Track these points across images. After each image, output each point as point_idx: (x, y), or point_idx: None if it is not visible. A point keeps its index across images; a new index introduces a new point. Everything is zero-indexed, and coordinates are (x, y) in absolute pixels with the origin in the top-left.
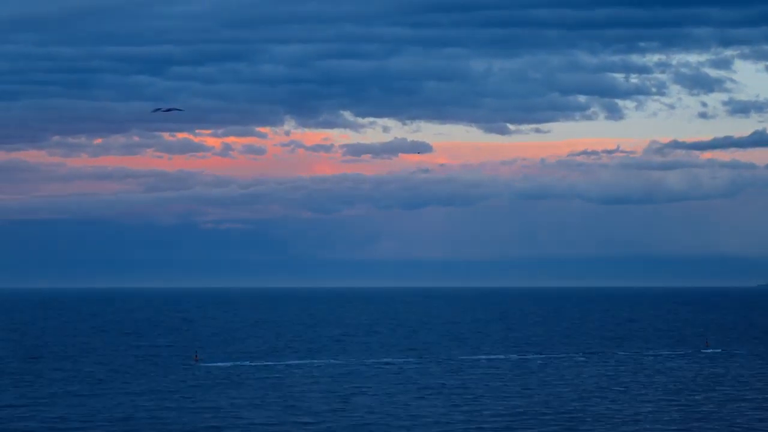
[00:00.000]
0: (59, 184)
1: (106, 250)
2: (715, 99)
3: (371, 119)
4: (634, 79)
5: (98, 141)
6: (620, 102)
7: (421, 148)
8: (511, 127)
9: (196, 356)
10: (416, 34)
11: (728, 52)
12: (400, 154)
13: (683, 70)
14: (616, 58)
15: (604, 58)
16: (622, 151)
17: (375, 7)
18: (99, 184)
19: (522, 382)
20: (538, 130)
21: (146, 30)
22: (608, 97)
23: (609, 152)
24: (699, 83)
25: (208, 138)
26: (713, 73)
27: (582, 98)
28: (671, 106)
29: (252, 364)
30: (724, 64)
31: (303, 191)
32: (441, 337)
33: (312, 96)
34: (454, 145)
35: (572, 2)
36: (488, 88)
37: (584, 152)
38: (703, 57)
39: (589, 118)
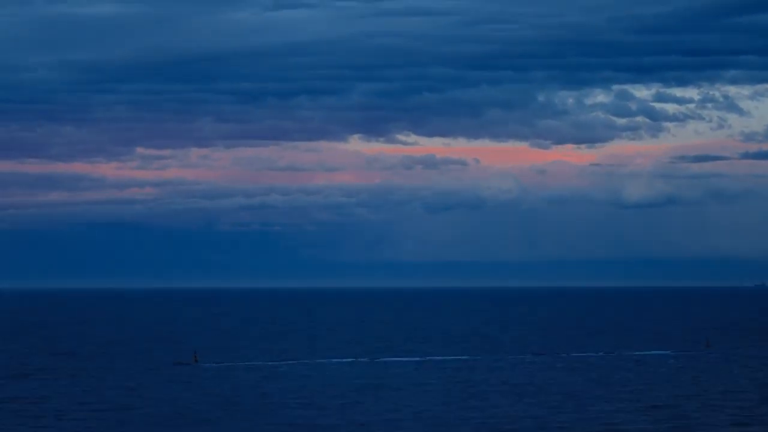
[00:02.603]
0: (114, 191)
1: (136, 252)
2: (740, 124)
3: (429, 138)
4: (676, 106)
5: (174, 153)
6: (664, 123)
7: (468, 161)
8: (556, 143)
9: (195, 357)
10: (490, 75)
11: (759, 87)
12: (449, 166)
13: (721, 99)
14: (662, 90)
15: (652, 90)
16: (643, 161)
17: (458, 55)
18: (147, 191)
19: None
20: (589, 147)
21: (250, 72)
22: (652, 119)
23: (629, 161)
24: (732, 110)
25: (277, 152)
26: (745, 103)
27: (625, 120)
28: (710, 128)
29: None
30: (754, 96)
31: (351, 198)
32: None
33: (382, 120)
34: (497, 153)
35: (626, 51)
36: (542, 111)
37: (610, 164)
38: (738, 90)
39: (631, 138)
